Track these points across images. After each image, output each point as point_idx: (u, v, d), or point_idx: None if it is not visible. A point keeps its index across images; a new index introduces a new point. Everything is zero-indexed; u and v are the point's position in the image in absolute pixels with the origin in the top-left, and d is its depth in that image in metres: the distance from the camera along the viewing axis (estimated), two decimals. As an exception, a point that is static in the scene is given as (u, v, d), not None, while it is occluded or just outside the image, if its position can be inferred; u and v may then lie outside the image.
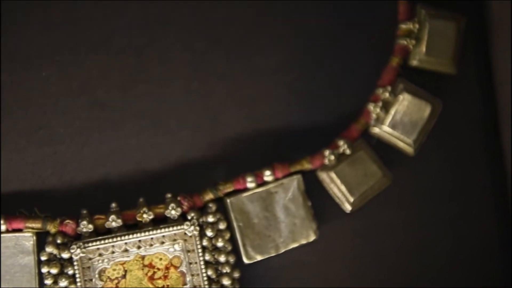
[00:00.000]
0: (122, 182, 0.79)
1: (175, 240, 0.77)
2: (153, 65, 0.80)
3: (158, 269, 0.76)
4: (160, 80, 0.80)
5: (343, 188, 0.79)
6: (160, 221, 0.77)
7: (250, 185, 0.78)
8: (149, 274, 0.76)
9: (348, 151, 0.79)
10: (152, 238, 0.76)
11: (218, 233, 0.77)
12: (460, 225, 0.82)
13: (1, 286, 0.75)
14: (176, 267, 0.77)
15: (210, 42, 0.81)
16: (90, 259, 0.76)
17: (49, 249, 0.75)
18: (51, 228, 0.76)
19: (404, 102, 0.80)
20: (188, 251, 0.77)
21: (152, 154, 0.79)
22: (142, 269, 0.76)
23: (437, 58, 0.81)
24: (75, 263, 0.75)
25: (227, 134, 0.80)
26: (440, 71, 0.81)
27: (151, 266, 0.76)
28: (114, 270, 0.76)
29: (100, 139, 0.79)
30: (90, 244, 0.75)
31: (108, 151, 0.79)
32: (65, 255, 0.75)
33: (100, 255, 0.76)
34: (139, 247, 0.76)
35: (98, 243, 0.75)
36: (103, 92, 0.79)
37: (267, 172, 0.78)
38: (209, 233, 0.77)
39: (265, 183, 0.78)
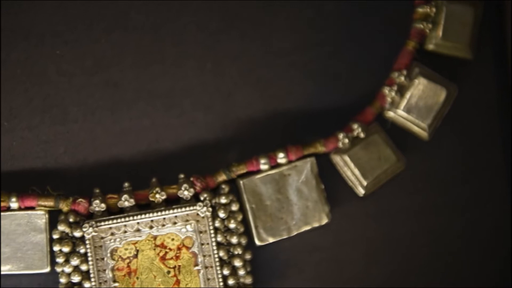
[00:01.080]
0: (135, 162, 0.78)
1: (187, 220, 0.76)
2: (167, 45, 0.79)
3: (170, 249, 0.76)
4: (174, 60, 0.80)
5: (356, 171, 0.78)
6: (173, 202, 0.77)
7: (263, 167, 0.78)
8: (161, 254, 0.76)
9: (362, 135, 0.79)
10: (164, 218, 0.76)
11: (231, 215, 0.77)
12: (473, 210, 0.82)
13: (14, 263, 0.75)
14: (188, 248, 0.76)
15: (224, 22, 0.80)
16: (102, 238, 0.76)
17: (61, 227, 0.75)
18: (64, 206, 0.76)
19: (420, 86, 0.79)
20: (200, 232, 0.76)
21: (165, 135, 0.79)
22: (154, 249, 0.76)
23: (453, 42, 0.80)
24: (87, 242, 0.75)
25: (240, 115, 0.80)
26: (456, 55, 0.81)
27: (163, 246, 0.76)
28: (126, 249, 0.76)
29: (113, 119, 0.79)
30: (102, 223, 0.75)
31: (121, 130, 0.78)
32: (77, 233, 0.75)
33: (112, 234, 0.76)
34: (151, 227, 0.76)
35: (110, 222, 0.75)
36: (117, 71, 0.79)
37: (281, 154, 0.78)
38: (221, 214, 0.77)
39: (278, 165, 0.78)
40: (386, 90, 0.79)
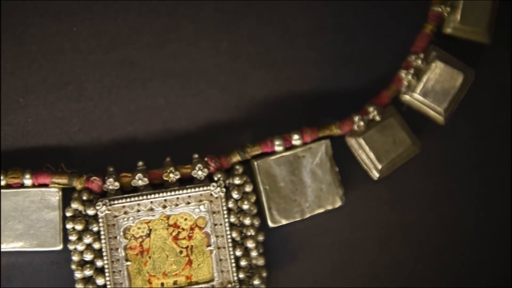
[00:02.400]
0: (149, 141, 0.78)
1: (200, 201, 0.76)
2: (183, 24, 0.79)
3: (183, 229, 0.76)
4: (190, 40, 0.79)
5: (371, 155, 0.78)
6: (186, 182, 0.77)
7: (278, 148, 0.77)
8: (174, 234, 0.76)
9: (377, 118, 0.78)
10: (177, 198, 0.76)
11: (244, 196, 0.77)
12: (487, 197, 0.81)
13: (26, 239, 0.75)
14: (200, 228, 0.76)
15: (241, 2, 0.80)
16: (115, 216, 0.75)
17: (75, 205, 0.75)
18: (77, 184, 0.76)
19: (437, 70, 0.79)
20: (214, 212, 0.76)
21: (180, 114, 0.79)
22: (167, 229, 0.76)
23: (471, 26, 0.79)
24: (100, 220, 0.75)
25: (255, 96, 0.79)
26: (474, 40, 0.80)
27: (176, 226, 0.76)
28: (139, 228, 0.76)
29: (128, 97, 0.78)
30: (115, 202, 0.75)
31: (136, 109, 0.78)
32: (91, 211, 0.75)
33: (125, 213, 0.76)
34: (164, 207, 0.76)
35: (123, 201, 0.75)
36: (133, 50, 0.79)
37: (296, 136, 0.77)
38: (235, 195, 0.76)
39: (293, 147, 0.78)
40: (402, 74, 0.79)
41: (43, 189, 0.75)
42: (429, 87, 0.79)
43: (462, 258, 0.81)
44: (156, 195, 0.75)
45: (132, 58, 0.78)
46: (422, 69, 0.79)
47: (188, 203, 0.76)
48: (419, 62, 0.78)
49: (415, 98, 0.79)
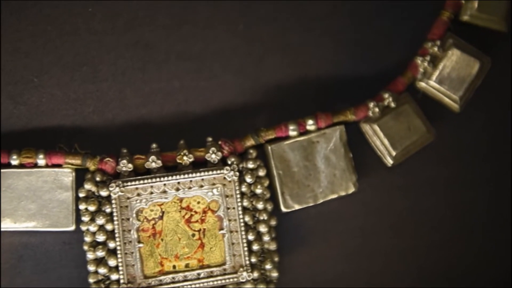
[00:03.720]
0: (163, 124, 0.78)
1: (214, 184, 0.76)
2: (199, 7, 0.79)
3: (196, 212, 0.76)
4: (206, 22, 0.79)
5: (385, 141, 0.78)
6: (200, 165, 0.76)
7: (292, 133, 0.77)
8: (186, 216, 0.76)
9: (393, 104, 0.78)
10: (191, 181, 0.76)
11: (257, 180, 0.76)
12: (500, 185, 0.81)
13: (39, 219, 0.75)
14: (213, 211, 0.76)
15: (258, -14, 0.80)
16: (128, 198, 0.75)
17: (88, 186, 0.75)
18: (91, 165, 0.75)
19: (453, 58, 0.78)
20: (227, 196, 0.76)
21: (194, 97, 0.78)
22: (180, 211, 0.76)
23: (489, 14, 0.79)
24: (113, 202, 0.75)
25: (270, 81, 0.79)
26: (491, 28, 0.79)
27: (188, 208, 0.76)
28: (152, 210, 0.76)
29: (143, 79, 0.78)
30: (129, 184, 0.75)
31: (150, 91, 0.78)
32: (104, 193, 0.75)
33: (138, 195, 0.75)
34: (177, 189, 0.76)
35: (137, 182, 0.75)
36: (148, 32, 0.78)
37: (310, 121, 0.77)
38: (248, 179, 0.76)
39: (307, 132, 0.78)
40: (418, 60, 0.78)
41: (56, 169, 0.75)
42: (445, 74, 0.78)
43: (475, 245, 0.81)
44: (170, 178, 0.75)
45: (147, 40, 0.78)
46: (439, 56, 0.78)
47: (201, 186, 0.76)
48: (436, 49, 0.78)
49: (430, 85, 0.79)
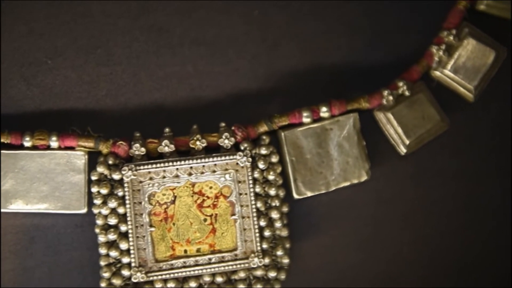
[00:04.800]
0: (176, 108, 0.78)
1: (226, 169, 0.76)
2: (215, -8, 0.79)
3: (208, 197, 0.76)
4: (220, 7, 0.79)
5: (399, 129, 0.78)
6: (213, 150, 0.76)
7: (306, 120, 0.77)
8: (198, 201, 0.76)
9: (407, 93, 0.78)
10: (203, 166, 0.75)
11: (270, 166, 0.76)
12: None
13: (51, 201, 0.75)
14: (225, 197, 0.76)
15: (273, -28, 0.79)
16: (140, 182, 0.75)
17: (100, 169, 0.75)
18: (104, 148, 0.75)
19: (468, 47, 0.78)
20: (239, 182, 0.76)
21: (208, 82, 0.78)
22: (192, 196, 0.76)
23: (505, 4, 0.79)
24: (125, 185, 0.75)
25: (285, 67, 0.79)
26: (507, 17, 0.79)
27: (200, 193, 0.76)
28: (164, 195, 0.75)
29: (156, 63, 0.78)
30: (141, 167, 0.75)
31: (164, 75, 0.78)
32: (116, 176, 0.75)
33: (151, 179, 0.75)
34: (190, 174, 0.75)
35: (149, 166, 0.75)
36: (162, 16, 0.78)
37: (324, 108, 0.77)
38: (261, 165, 0.76)
39: (320, 119, 0.77)
40: (434, 49, 0.78)
41: (69, 151, 0.75)
42: (460, 63, 0.78)
43: (486, 236, 0.80)
44: (182, 162, 0.75)
45: (161, 24, 0.78)
46: (454, 45, 0.78)
47: (214, 171, 0.76)
48: (451, 38, 0.78)
49: (445, 74, 0.78)
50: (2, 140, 0.74)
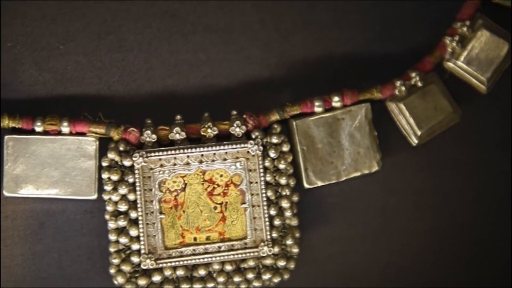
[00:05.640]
0: (188, 95, 0.77)
1: (237, 158, 0.76)
2: (228, -21, 0.78)
3: (218, 185, 0.76)
4: (234, -5, 0.78)
5: (411, 120, 0.77)
6: (224, 138, 0.76)
7: (318, 109, 0.77)
8: (209, 189, 0.76)
9: (419, 83, 0.77)
10: (214, 154, 0.75)
11: (281, 155, 0.76)
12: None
13: (62, 187, 0.75)
14: (236, 185, 0.76)
15: (287, -40, 0.79)
16: (151, 169, 0.75)
17: (111, 155, 0.75)
18: (115, 134, 0.75)
19: (482, 39, 0.78)
20: (250, 170, 0.76)
21: (220, 70, 0.78)
22: (202, 184, 0.75)
23: (520, -4, 0.78)
24: (136, 172, 0.74)
25: (297, 56, 0.78)
26: (521, 9, 0.79)
27: (211, 181, 0.76)
28: (174, 182, 0.75)
29: (168, 50, 0.77)
30: (152, 154, 0.75)
31: (176, 62, 0.78)
32: (127, 162, 0.75)
33: (161, 166, 0.75)
34: (201, 162, 0.75)
35: (160, 153, 0.75)
36: (175, 2, 0.78)
37: (336, 98, 0.77)
38: (272, 154, 0.76)
39: (332, 108, 0.77)
40: (447, 40, 0.78)
41: (80, 137, 0.75)
42: (473, 55, 0.78)
43: (496, 228, 0.80)
44: (193, 150, 0.75)
45: (174, 11, 0.77)
46: (467, 37, 0.78)
47: (225, 159, 0.75)
48: (465, 29, 0.77)
49: (458, 65, 0.78)
50: (13, 125, 0.74)
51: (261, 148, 0.75)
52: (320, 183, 0.77)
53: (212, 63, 0.78)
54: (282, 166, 0.76)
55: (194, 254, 0.75)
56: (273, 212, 0.76)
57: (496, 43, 0.78)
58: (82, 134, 0.75)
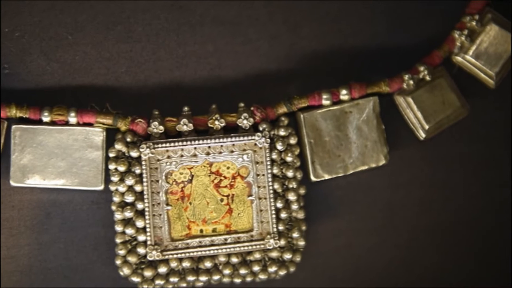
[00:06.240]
0: (195, 87, 0.77)
1: (244, 150, 0.76)
2: (237, -29, 0.78)
3: (225, 177, 0.76)
4: (242, -13, 0.78)
5: (419, 114, 0.77)
6: (231, 130, 0.76)
7: (325, 102, 0.76)
8: (216, 181, 0.75)
9: (428, 77, 0.77)
10: (221, 146, 0.75)
11: (288, 148, 0.76)
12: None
13: (68, 177, 0.75)
14: (243, 177, 0.76)
15: (296, -48, 0.79)
16: (158, 160, 0.75)
17: (118, 146, 0.75)
18: (122, 125, 0.75)
19: (491, 33, 0.78)
20: (257, 163, 0.76)
21: (228, 62, 0.78)
22: (209, 176, 0.75)
23: (529, -10, 0.78)
24: (143, 163, 0.74)
25: (305, 49, 0.78)
26: (531, 4, 0.78)
27: (218, 173, 0.75)
28: (181, 173, 0.75)
29: (176, 41, 0.77)
30: (159, 145, 0.74)
31: (184, 54, 0.77)
32: (134, 153, 0.75)
33: (168, 157, 0.75)
34: (208, 153, 0.75)
35: (167, 145, 0.74)
36: (184, -6, 0.77)
37: (344, 91, 0.76)
38: (279, 146, 0.76)
39: (340, 101, 0.77)
40: (456, 34, 0.77)
41: (87, 128, 0.75)
42: (482, 49, 0.78)
43: (504, 223, 0.80)
44: (200, 141, 0.75)
45: (182, 2, 0.77)
46: (476, 31, 0.77)
47: (232, 151, 0.75)
48: (474, 23, 0.77)
49: (467, 59, 0.78)
50: (20, 115, 0.74)
51: (268, 140, 0.75)
52: (327, 176, 0.77)
53: (220, 55, 0.77)
54: (289, 158, 0.76)
55: (200, 246, 0.75)
56: (279, 204, 0.76)
57: (505, 38, 0.77)
58: (90, 124, 0.75)
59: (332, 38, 0.78)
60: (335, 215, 0.78)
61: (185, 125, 0.75)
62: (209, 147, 0.75)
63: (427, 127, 0.77)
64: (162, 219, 0.75)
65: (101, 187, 0.75)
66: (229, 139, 0.75)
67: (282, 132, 0.76)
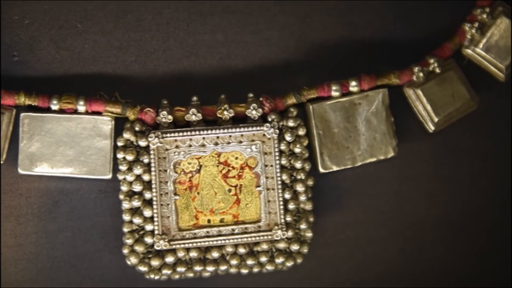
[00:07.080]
0: (204, 77, 0.77)
1: (253, 140, 0.75)
2: (247, -40, 0.78)
3: (233, 167, 0.75)
4: (253, -23, 0.78)
5: (428, 107, 0.77)
6: (240, 120, 0.76)
7: (335, 93, 0.76)
8: (224, 171, 0.75)
9: (437, 70, 0.77)
10: (230, 136, 0.75)
11: (297, 139, 0.76)
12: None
13: (76, 166, 0.75)
14: (251, 168, 0.76)
15: None
16: (166, 149, 0.75)
17: (127, 135, 0.74)
18: (131, 114, 0.75)
19: (501, 26, 0.77)
20: (265, 153, 0.75)
21: (237, 52, 0.77)
22: (217, 166, 0.75)
23: (541, -17, 0.78)
24: (151, 152, 0.74)
25: (315, 39, 0.78)
26: (542, -3, 0.78)
27: (226, 164, 0.75)
28: (189, 163, 0.75)
29: (186, 31, 0.77)
30: (168, 135, 0.74)
31: (194, 43, 0.77)
32: (142, 143, 0.74)
33: (177, 147, 0.75)
34: (216, 144, 0.75)
35: (176, 134, 0.74)
36: (194, -17, 0.77)
37: (353, 83, 0.76)
38: (288, 137, 0.75)
39: (349, 93, 0.77)
40: (466, 27, 0.77)
41: (96, 116, 0.75)
42: (492, 42, 0.77)
43: (511, 217, 0.80)
44: (209, 131, 0.75)
45: (192, -8, 0.77)
46: (487, 24, 0.77)
47: (240, 142, 0.75)
48: (484, 16, 0.77)
49: (477, 52, 0.78)
50: (29, 103, 0.74)
51: (277, 131, 0.75)
52: (335, 168, 0.77)
53: (230, 44, 0.77)
54: (297, 150, 0.76)
55: (207, 236, 0.75)
56: (287, 195, 0.75)
57: (516, 31, 0.77)
58: (98, 113, 0.75)
59: (342, 29, 0.78)
60: (343, 206, 0.78)
61: (193, 115, 0.75)
62: (217, 137, 0.75)
63: (436, 119, 0.77)
64: (170, 208, 0.75)
65: (109, 176, 0.75)
66: (237, 130, 0.75)
67: (290, 123, 0.76)
